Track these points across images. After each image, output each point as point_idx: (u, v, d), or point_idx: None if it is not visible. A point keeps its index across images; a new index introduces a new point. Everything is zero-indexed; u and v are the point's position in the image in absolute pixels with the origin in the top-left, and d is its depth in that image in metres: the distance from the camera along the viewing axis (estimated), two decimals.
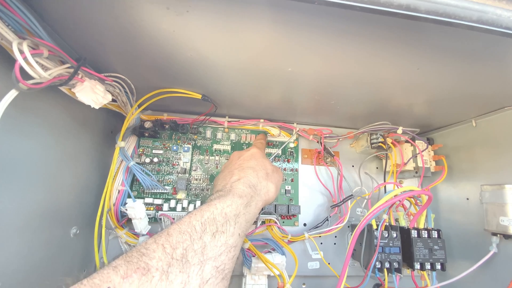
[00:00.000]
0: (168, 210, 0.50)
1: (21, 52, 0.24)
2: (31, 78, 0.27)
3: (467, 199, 0.53)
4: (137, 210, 0.43)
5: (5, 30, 0.23)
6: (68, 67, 0.30)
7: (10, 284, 0.31)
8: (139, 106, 0.48)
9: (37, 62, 0.25)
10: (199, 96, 0.47)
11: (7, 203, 0.31)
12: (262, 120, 0.57)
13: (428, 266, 0.47)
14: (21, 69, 0.25)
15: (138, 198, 0.49)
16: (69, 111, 0.41)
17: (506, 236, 0.44)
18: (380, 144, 0.55)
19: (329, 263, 0.54)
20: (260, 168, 0.41)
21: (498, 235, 0.45)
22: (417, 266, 0.47)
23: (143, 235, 0.46)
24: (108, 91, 0.37)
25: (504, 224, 0.43)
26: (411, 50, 0.31)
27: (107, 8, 0.27)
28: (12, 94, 0.25)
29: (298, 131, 0.59)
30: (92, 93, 0.33)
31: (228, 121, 0.57)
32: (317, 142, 0.59)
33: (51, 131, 0.38)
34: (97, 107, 0.36)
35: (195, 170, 0.54)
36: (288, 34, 0.30)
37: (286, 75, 0.40)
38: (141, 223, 0.44)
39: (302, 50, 0.33)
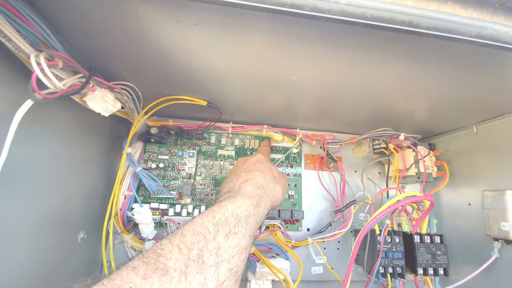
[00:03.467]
0: (174, 215, 0.51)
1: (38, 64, 0.25)
2: (45, 88, 0.28)
3: (469, 204, 0.53)
4: (144, 215, 0.43)
5: (22, 43, 0.24)
6: (80, 77, 0.31)
7: None
8: (145, 112, 0.49)
9: (52, 73, 0.26)
10: (204, 103, 0.48)
11: (19, 209, 0.32)
12: (265, 126, 0.58)
13: (431, 271, 0.48)
14: (37, 80, 0.26)
15: (144, 203, 0.50)
16: (78, 118, 0.41)
17: (508, 242, 0.44)
18: (382, 149, 0.56)
19: (332, 268, 0.55)
20: (267, 171, 0.42)
21: (500, 240, 0.45)
22: (420, 271, 0.47)
23: (149, 240, 0.47)
24: (117, 98, 0.38)
25: (505, 229, 0.44)
26: (413, 60, 0.32)
27: (119, 20, 0.28)
28: (28, 104, 0.26)
29: (301, 136, 0.59)
30: (102, 102, 0.34)
31: (232, 127, 0.58)
32: (320, 147, 0.60)
33: (60, 138, 0.38)
34: (106, 115, 0.36)
35: (199, 175, 0.55)
36: (293, 45, 0.31)
37: (290, 82, 0.41)
38: (147, 228, 0.44)
39: (306, 60, 0.34)
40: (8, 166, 0.26)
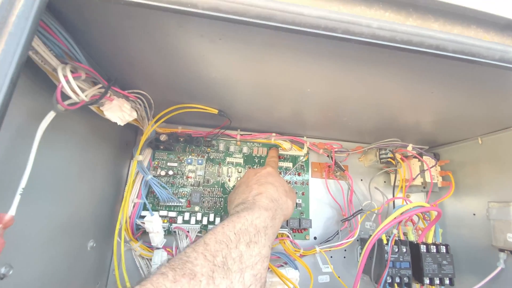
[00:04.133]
0: (182, 223, 0.51)
1: (64, 76, 0.25)
2: (67, 99, 0.28)
3: (474, 214, 0.54)
4: (155, 224, 0.43)
5: (49, 56, 0.24)
6: (100, 87, 0.31)
7: None
8: (156, 120, 0.49)
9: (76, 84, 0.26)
10: (215, 111, 0.49)
11: (36, 217, 0.32)
12: (274, 134, 0.59)
13: (437, 281, 0.48)
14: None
15: (153, 211, 0.50)
16: (90, 126, 0.41)
17: None
18: (389, 159, 0.57)
19: (339, 277, 0.55)
20: (279, 184, 0.42)
21: (506, 251, 0.46)
22: (427, 281, 0.48)
23: (158, 248, 0.46)
24: (132, 108, 0.38)
25: (511, 240, 0.45)
26: (427, 76, 0.33)
27: (145, 33, 0.28)
28: (51, 115, 0.26)
29: (308, 145, 0.60)
30: (119, 111, 0.34)
31: (241, 134, 0.58)
32: (327, 156, 0.60)
33: (74, 146, 0.38)
34: (122, 124, 0.36)
35: (208, 183, 0.55)
36: (309, 60, 0.31)
37: (303, 94, 0.41)
38: (157, 237, 0.44)
39: (321, 75, 0.35)
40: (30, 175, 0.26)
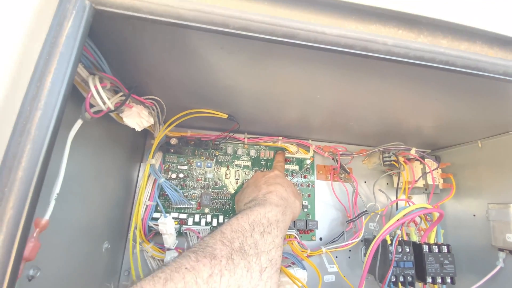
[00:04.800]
0: (192, 225, 0.52)
1: (94, 85, 0.26)
2: (92, 107, 0.29)
3: (474, 215, 0.56)
4: (168, 225, 0.45)
5: (80, 67, 0.26)
6: (121, 95, 0.33)
7: None
8: (168, 125, 0.51)
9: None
10: (225, 116, 0.50)
11: (59, 222, 0.33)
12: (280, 138, 0.60)
13: (439, 280, 0.50)
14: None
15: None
16: (107, 131, 0.43)
17: None
18: (392, 162, 0.58)
19: (345, 276, 0.57)
20: (287, 185, 0.44)
21: (505, 250, 0.48)
22: (429, 279, 0.50)
23: (170, 249, 0.48)
24: (149, 114, 0.39)
25: (510, 240, 0.47)
26: (432, 86, 0.35)
27: (165, 46, 0.29)
28: (78, 124, 0.28)
29: (314, 148, 0.62)
30: (138, 117, 0.36)
31: (248, 138, 0.60)
32: (332, 159, 0.62)
33: (92, 151, 0.40)
34: (139, 130, 0.38)
35: (217, 185, 0.57)
36: (319, 70, 0.33)
37: (312, 100, 0.43)
38: (170, 238, 0.46)
39: (330, 83, 0.36)
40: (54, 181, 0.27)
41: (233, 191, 0.57)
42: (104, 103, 0.27)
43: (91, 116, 0.28)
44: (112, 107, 0.29)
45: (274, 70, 0.34)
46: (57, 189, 0.24)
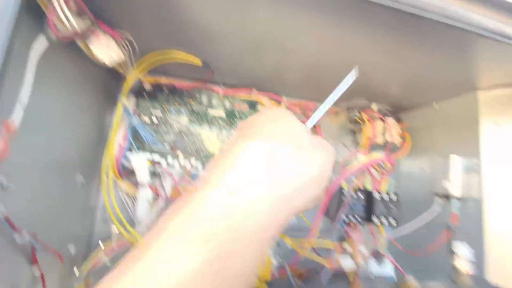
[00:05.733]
0: (166, 166, 0.55)
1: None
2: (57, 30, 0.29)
3: (425, 170, 0.63)
4: (140, 160, 0.47)
5: None
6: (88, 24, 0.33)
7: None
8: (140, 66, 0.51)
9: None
10: (199, 63, 0.51)
11: (29, 151, 0.34)
12: (254, 90, 0.62)
13: (384, 221, 0.58)
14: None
15: None
16: (77, 66, 0.42)
17: (447, 197, 0.54)
18: (357, 118, 0.63)
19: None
20: (288, 140, 0.42)
21: (440, 196, 0.55)
22: (375, 219, 0.57)
23: (143, 185, 0.51)
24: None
25: (445, 186, 0.54)
26: (404, 38, 0.37)
27: None
28: (43, 42, 0.28)
29: (286, 103, 0.64)
30: (107, 49, 0.36)
31: (223, 89, 0.61)
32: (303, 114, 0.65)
33: (63, 85, 0.40)
34: (110, 65, 0.38)
35: (191, 133, 0.59)
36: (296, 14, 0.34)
37: (286, 47, 0.44)
38: (143, 173, 0.49)
39: (308, 28, 0.38)
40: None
41: (206, 139, 0.60)
42: (68, 20, 0.28)
43: (56, 37, 0.29)
44: (77, 29, 0.29)
45: (248, 11, 0.34)
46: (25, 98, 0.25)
